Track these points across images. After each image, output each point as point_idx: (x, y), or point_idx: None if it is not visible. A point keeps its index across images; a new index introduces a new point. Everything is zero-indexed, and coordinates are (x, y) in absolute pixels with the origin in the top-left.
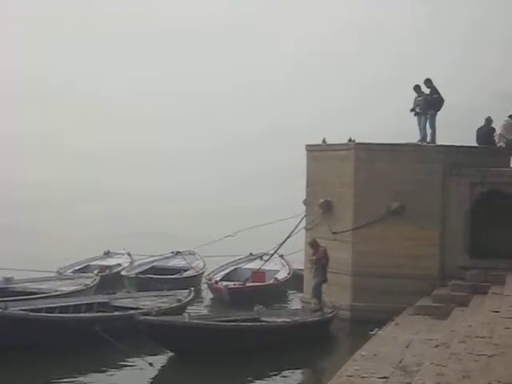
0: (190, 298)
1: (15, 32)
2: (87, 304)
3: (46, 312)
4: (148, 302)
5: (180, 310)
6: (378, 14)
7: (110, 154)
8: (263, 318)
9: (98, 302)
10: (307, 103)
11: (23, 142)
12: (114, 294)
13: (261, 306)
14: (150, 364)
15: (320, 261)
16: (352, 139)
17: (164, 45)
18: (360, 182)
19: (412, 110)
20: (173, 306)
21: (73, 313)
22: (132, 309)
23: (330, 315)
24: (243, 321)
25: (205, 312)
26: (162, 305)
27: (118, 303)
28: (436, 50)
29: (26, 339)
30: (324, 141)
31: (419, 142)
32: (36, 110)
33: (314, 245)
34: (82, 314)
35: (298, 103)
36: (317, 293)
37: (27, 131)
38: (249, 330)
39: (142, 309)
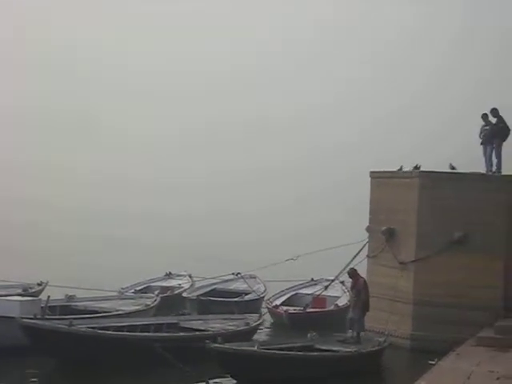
0: (259, 322)
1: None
2: (156, 324)
3: (114, 331)
4: (217, 324)
5: (248, 333)
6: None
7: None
8: (317, 346)
9: (168, 323)
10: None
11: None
12: (184, 315)
13: (314, 334)
14: None
15: (359, 292)
16: (418, 166)
17: None
18: (424, 211)
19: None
20: (241, 329)
21: (141, 332)
22: (200, 331)
23: (385, 345)
24: (297, 348)
25: (261, 338)
26: (230, 328)
27: (187, 324)
28: None
29: (91, 356)
30: (401, 168)
31: (486, 172)
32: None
33: (353, 275)
34: (149, 334)
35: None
36: (361, 329)
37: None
38: (304, 360)
39: (209, 331)
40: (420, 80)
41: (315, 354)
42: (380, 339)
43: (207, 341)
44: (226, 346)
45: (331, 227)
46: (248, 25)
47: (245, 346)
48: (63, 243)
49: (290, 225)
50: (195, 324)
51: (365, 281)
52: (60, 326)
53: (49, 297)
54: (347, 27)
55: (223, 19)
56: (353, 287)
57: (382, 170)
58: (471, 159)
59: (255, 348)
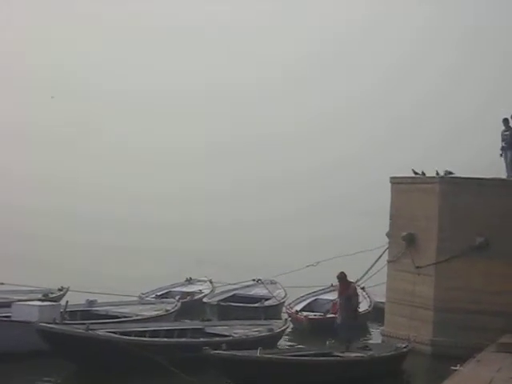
0: (283, 328)
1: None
2: (181, 330)
3: (135, 336)
4: (241, 330)
5: (272, 339)
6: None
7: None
8: (336, 353)
9: (192, 328)
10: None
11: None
12: (210, 320)
13: (333, 341)
14: None
15: (350, 298)
16: (438, 172)
17: None
18: (444, 216)
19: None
20: (264, 335)
21: (165, 337)
22: (224, 336)
23: (404, 350)
24: (315, 355)
25: (280, 344)
26: (253, 334)
27: (211, 330)
28: None
29: (108, 361)
30: (423, 173)
31: (507, 177)
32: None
33: (343, 279)
34: (167, 340)
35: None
36: (351, 336)
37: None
38: (321, 365)
39: (233, 336)
40: (428, 85)
41: (321, 359)
42: (399, 345)
43: (205, 347)
44: (226, 352)
45: (343, 235)
46: (248, 38)
47: (247, 353)
48: (78, 252)
49: (302, 233)
50: (219, 329)
51: (355, 286)
52: (76, 330)
53: (67, 302)
54: (348, 40)
55: (222, 37)
56: (342, 292)
57: (402, 175)
58: (489, 163)
59: (257, 354)
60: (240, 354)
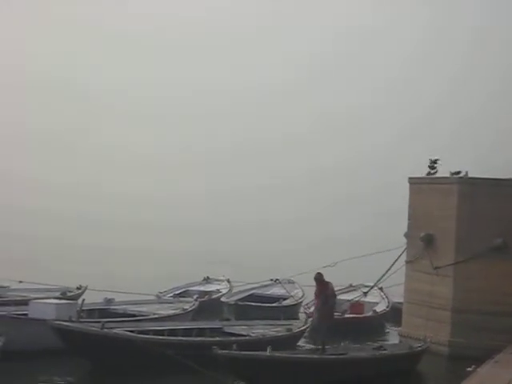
0: (303, 328)
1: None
2: (199, 329)
3: (153, 334)
4: (261, 330)
5: (291, 339)
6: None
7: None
8: (350, 354)
9: (211, 328)
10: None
11: None
12: (228, 320)
13: (347, 342)
14: None
15: (327, 298)
16: (457, 172)
17: None
18: (463, 217)
19: None
20: (282, 335)
21: (183, 336)
22: (242, 336)
23: (418, 349)
24: (327, 355)
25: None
26: (272, 333)
27: (230, 330)
28: None
29: (123, 359)
30: (435, 171)
31: None
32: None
33: (320, 279)
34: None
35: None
36: (325, 338)
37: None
38: (331, 364)
39: (250, 336)
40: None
41: (332, 357)
42: (413, 344)
43: (214, 347)
44: (235, 352)
45: (358, 236)
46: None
47: (257, 352)
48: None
49: (316, 234)
50: (238, 329)
51: (333, 287)
52: (91, 328)
53: (83, 300)
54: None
55: (222, 47)
56: (319, 292)
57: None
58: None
59: (267, 353)
60: (248, 353)
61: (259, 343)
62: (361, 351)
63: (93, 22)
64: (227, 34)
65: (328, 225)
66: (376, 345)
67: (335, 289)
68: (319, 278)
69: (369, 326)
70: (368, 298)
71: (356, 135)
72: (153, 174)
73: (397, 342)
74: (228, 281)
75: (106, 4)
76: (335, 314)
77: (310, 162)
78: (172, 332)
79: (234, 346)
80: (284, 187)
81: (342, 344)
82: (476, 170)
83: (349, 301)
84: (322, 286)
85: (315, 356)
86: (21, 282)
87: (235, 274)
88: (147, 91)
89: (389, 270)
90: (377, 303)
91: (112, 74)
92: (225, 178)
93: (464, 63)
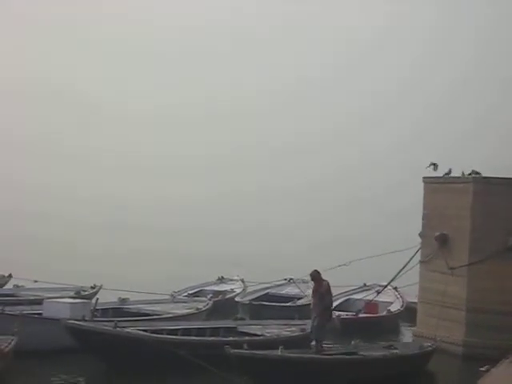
0: None
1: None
2: (213, 328)
3: (167, 334)
4: (275, 329)
5: (306, 339)
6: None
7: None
8: (361, 353)
9: (225, 327)
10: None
11: None
12: (243, 319)
13: (358, 340)
14: None
15: (323, 296)
16: (476, 172)
17: None
18: (477, 216)
19: None
20: (297, 334)
21: (197, 336)
22: (256, 335)
23: (429, 349)
24: (340, 355)
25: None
26: (286, 333)
27: (244, 329)
28: None
29: (136, 358)
30: (449, 172)
31: None
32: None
33: (316, 277)
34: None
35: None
36: (322, 336)
37: None
38: (342, 364)
39: (264, 336)
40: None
41: (342, 357)
42: (424, 344)
43: (226, 346)
44: (245, 351)
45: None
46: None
47: (268, 352)
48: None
49: (328, 234)
50: (253, 329)
51: (329, 284)
52: (104, 327)
53: (97, 299)
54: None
55: (223, 54)
56: (316, 291)
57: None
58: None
59: (278, 353)
60: (259, 353)
61: (273, 343)
62: (371, 350)
63: (91, 27)
64: (227, 40)
65: (339, 226)
66: (386, 344)
67: (348, 289)
68: (315, 275)
69: (383, 326)
70: (382, 298)
71: (366, 136)
72: (161, 178)
73: (410, 341)
74: (242, 280)
75: (104, 10)
76: (332, 312)
77: (323, 163)
78: (186, 331)
79: (245, 346)
80: (294, 190)
81: (353, 342)
82: (485, 169)
83: (363, 300)
84: (318, 284)
85: (326, 356)
86: (36, 281)
87: (249, 274)
88: (147, 96)
89: (402, 269)
90: (391, 303)
91: (112, 82)
92: (238, 182)
93: (471, 63)
